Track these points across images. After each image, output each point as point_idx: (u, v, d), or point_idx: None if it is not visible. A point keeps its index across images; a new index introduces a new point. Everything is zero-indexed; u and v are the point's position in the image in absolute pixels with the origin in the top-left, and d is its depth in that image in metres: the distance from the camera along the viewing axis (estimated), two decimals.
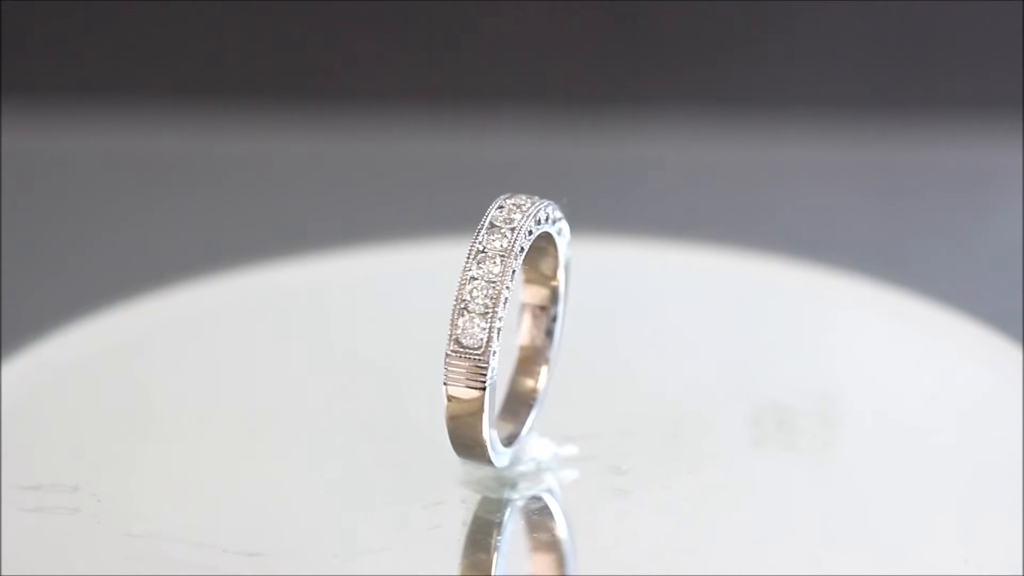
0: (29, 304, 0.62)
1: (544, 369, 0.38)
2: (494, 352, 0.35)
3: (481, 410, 0.35)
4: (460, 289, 0.35)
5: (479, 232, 0.35)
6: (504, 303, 0.35)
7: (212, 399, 0.41)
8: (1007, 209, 0.71)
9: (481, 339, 0.35)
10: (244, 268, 0.46)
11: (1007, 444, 0.39)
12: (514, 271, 0.35)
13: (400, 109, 0.76)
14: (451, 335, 0.35)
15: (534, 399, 0.38)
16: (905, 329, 0.44)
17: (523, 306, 0.38)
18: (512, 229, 0.35)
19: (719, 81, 0.77)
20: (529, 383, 0.38)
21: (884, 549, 0.36)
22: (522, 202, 0.36)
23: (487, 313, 0.35)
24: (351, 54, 0.76)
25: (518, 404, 0.38)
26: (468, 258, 0.35)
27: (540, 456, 0.38)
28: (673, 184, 0.74)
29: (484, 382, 0.34)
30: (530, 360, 0.38)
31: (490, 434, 0.35)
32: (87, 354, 0.42)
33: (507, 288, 0.35)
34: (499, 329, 0.35)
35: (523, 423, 0.38)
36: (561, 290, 0.38)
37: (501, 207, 0.36)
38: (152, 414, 0.40)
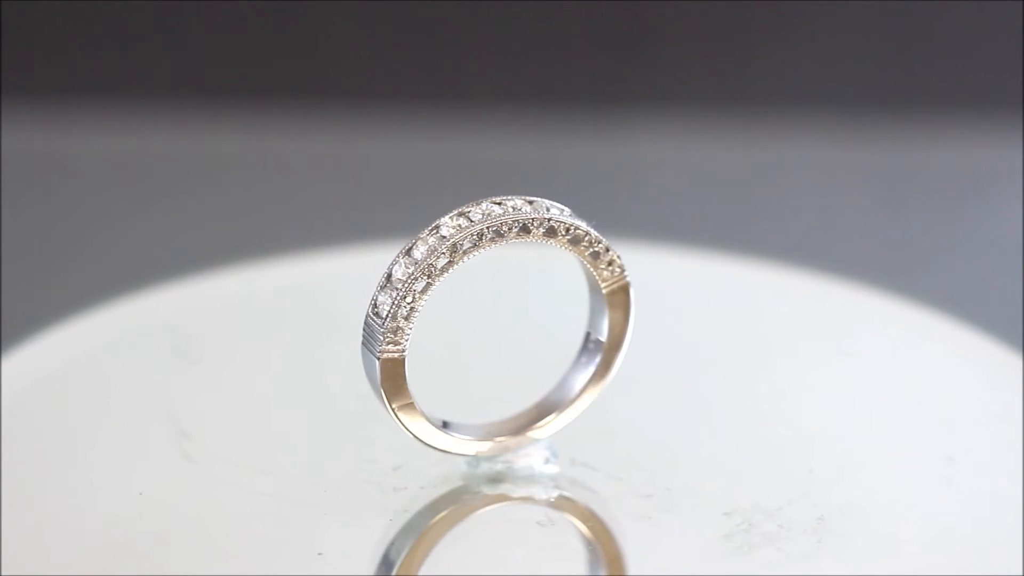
0: (28, 303, 0.62)
1: (554, 415, 0.37)
2: (396, 328, 0.35)
3: (377, 376, 0.35)
4: (392, 262, 0.35)
5: (448, 216, 0.35)
6: (423, 287, 0.34)
7: (210, 396, 0.41)
8: (1007, 209, 0.71)
9: (384, 312, 0.35)
10: (244, 267, 0.46)
11: (1007, 451, 0.39)
12: (450, 262, 0.34)
13: (399, 109, 0.76)
14: (372, 299, 0.35)
15: (531, 429, 0.37)
16: (904, 338, 0.44)
17: (586, 335, 0.37)
18: (472, 223, 0.34)
19: (719, 81, 0.77)
20: (539, 412, 0.37)
21: (882, 547, 0.36)
22: (520, 206, 0.35)
23: (400, 289, 0.34)
24: (350, 54, 0.76)
25: (528, 419, 0.37)
26: (414, 237, 0.35)
27: (515, 461, 0.37)
28: (673, 184, 0.74)
29: (379, 352, 0.35)
30: (561, 390, 0.37)
31: (397, 404, 0.35)
32: (85, 352, 0.42)
33: (424, 275, 0.34)
34: (409, 309, 0.34)
35: (515, 433, 0.37)
36: (606, 325, 0.36)
37: (499, 202, 0.35)
38: (149, 412, 0.40)
